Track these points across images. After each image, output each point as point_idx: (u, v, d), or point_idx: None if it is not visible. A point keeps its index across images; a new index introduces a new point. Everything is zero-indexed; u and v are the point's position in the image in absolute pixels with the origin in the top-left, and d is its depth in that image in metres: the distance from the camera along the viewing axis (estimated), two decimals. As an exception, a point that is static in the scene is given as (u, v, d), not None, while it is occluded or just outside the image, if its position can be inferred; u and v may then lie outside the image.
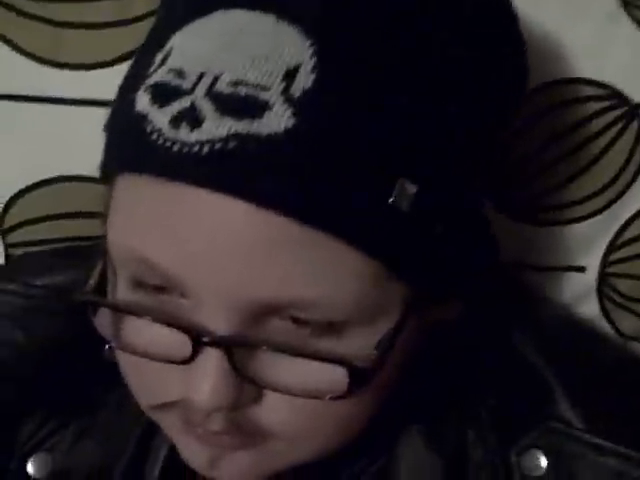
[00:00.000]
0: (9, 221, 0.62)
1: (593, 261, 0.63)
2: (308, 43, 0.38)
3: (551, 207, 0.62)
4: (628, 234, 0.62)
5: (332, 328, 0.40)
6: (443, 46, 0.41)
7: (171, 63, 0.39)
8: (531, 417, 0.50)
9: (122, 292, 0.43)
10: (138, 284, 0.42)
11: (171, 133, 0.38)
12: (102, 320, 0.43)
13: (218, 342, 0.40)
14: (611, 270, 0.63)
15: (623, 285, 0.63)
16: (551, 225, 0.62)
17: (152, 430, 0.53)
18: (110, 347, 0.45)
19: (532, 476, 0.48)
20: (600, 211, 0.62)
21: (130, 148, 0.40)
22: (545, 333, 0.53)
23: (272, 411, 0.42)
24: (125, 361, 0.45)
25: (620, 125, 0.60)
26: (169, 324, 0.40)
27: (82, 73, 0.60)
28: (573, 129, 0.60)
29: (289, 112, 0.37)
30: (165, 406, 0.44)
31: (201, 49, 0.39)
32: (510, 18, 0.47)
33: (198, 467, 0.46)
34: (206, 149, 0.37)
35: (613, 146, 0.60)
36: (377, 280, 0.40)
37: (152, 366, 0.42)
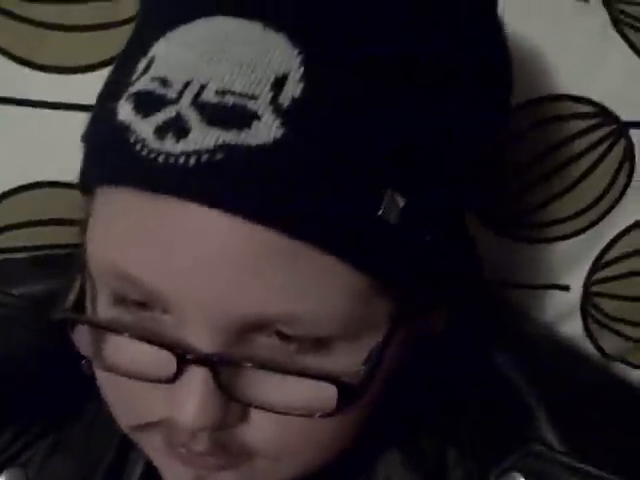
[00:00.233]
0: (-14, 227, 0.61)
1: (577, 280, 0.63)
2: (296, 51, 0.37)
3: (536, 224, 0.61)
4: (613, 253, 0.62)
5: (319, 344, 0.40)
6: (432, 57, 0.40)
7: (154, 71, 0.38)
8: (512, 438, 0.49)
9: (102, 308, 0.42)
10: (119, 300, 0.41)
11: (156, 144, 0.36)
12: (81, 337, 0.42)
13: (203, 360, 0.38)
14: (595, 289, 0.63)
15: (607, 305, 0.63)
16: (536, 243, 0.62)
17: (128, 445, 0.52)
18: (88, 361, 0.44)
19: None
20: (585, 230, 0.61)
21: (112, 159, 0.38)
22: (528, 353, 0.53)
23: (258, 429, 0.41)
24: (104, 380, 0.44)
25: (607, 143, 0.59)
26: (152, 341, 0.39)
27: (64, 76, 0.58)
28: (560, 146, 0.59)
29: (278, 122, 0.36)
30: (147, 426, 0.43)
31: (186, 57, 0.38)
32: (497, 28, 0.46)
33: None
34: (193, 160, 0.36)
35: (600, 164, 0.60)
36: (365, 294, 0.39)
37: (133, 385, 0.41)
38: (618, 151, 0.60)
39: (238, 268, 0.37)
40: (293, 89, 0.36)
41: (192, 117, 0.36)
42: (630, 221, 0.61)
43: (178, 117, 0.36)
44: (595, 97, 0.59)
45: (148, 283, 0.38)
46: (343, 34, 0.38)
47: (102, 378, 0.44)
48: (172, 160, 0.36)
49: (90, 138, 0.41)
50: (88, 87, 0.56)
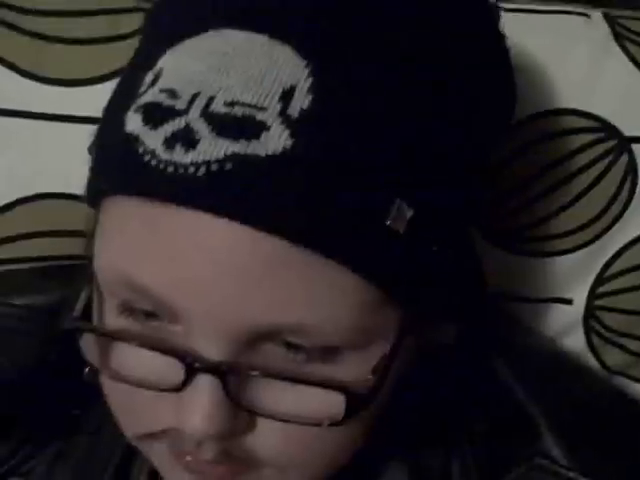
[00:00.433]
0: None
1: (580, 294, 0.63)
2: (304, 63, 0.37)
3: (539, 238, 0.61)
4: (616, 267, 0.62)
5: (327, 353, 0.40)
6: (439, 68, 0.40)
7: (163, 83, 0.38)
8: (516, 452, 0.49)
9: (110, 318, 0.42)
10: (127, 310, 0.41)
11: (165, 154, 0.37)
12: (89, 347, 0.42)
13: (212, 368, 0.38)
14: (598, 303, 0.63)
15: (610, 319, 0.63)
16: (539, 256, 0.61)
17: (131, 457, 0.52)
18: (91, 370, 0.44)
19: None
20: (588, 243, 0.61)
21: (121, 170, 0.39)
22: (531, 367, 0.53)
23: (265, 438, 0.41)
24: (111, 389, 0.44)
25: (610, 158, 0.59)
26: (160, 350, 0.39)
27: (67, 89, 0.59)
28: (563, 160, 0.59)
29: (287, 133, 0.36)
30: (153, 435, 0.43)
31: (194, 69, 0.38)
32: (498, 41, 0.46)
33: None
34: (202, 170, 0.36)
35: (602, 178, 0.60)
36: (374, 305, 0.39)
37: (140, 394, 0.41)
38: (621, 165, 0.60)
39: (247, 277, 0.37)
40: (301, 100, 0.37)
41: (201, 128, 0.36)
42: (633, 235, 0.61)
43: (187, 128, 0.36)
44: (597, 111, 0.59)
45: (157, 292, 0.38)
46: (349, 45, 0.38)
47: (109, 387, 0.44)
48: (181, 170, 0.36)
49: (98, 149, 0.42)
50: (90, 100, 0.57)
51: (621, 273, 0.62)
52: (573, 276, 0.62)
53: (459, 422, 0.50)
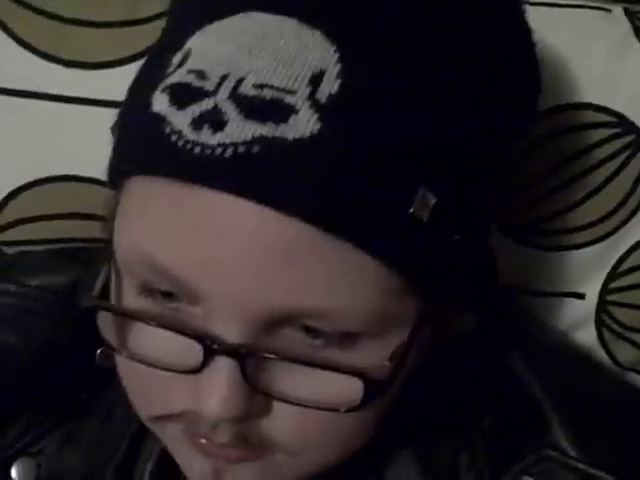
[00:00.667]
0: (3, 219, 0.61)
1: (593, 288, 0.62)
2: (333, 48, 0.37)
3: (554, 232, 0.61)
4: (629, 262, 0.62)
5: (345, 339, 0.40)
6: (467, 59, 0.40)
7: (191, 64, 0.38)
8: (525, 444, 0.49)
9: (129, 299, 0.42)
10: (147, 291, 0.41)
11: (192, 135, 0.36)
12: (107, 326, 0.42)
13: (231, 351, 0.39)
14: (610, 298, 0.62)
15: (622, 314, 0.63)
16: (553, 250, 0.61)
17: (140, 440, 0.52)
18: (102, 352, 0.44)
19: None
20: (602, 238, 0.61)
21: (147, 150, 0.38)
22: (543, 360, 0.53)
23: (280, 422, 0.41)
24: (127, 369, 0.44)
25: (627, 152, 0.59)
26: (180, 331, 0.39)
27: (83, 72, 0.59)
28: (580, 155, 0.59)
29: (315, 117, 0.36)
30: (168, 417, 0.43)
31: (223, 51, 0.38)
32: (525, 34, 0.46)
33: (199, 479, 0.44)
34: (229, 152, 0.36)
35: (619, 173, 0.59)
36: (394, 292, 0.39)
37: (157, 375, 0.41)
38: (638, 161, 0.59)
39: (270, 261, 0.37)
40: (330, 85, 0.37)
41: (229, 110, 0.36)
42: (647, 230, 0.61)
43: (215, 109, 0.36)
44: (615, 106, 0.59)
45: (178, 273, 0.38)
46: (379, 32, 0.39)
47: (124, 368, 0.44)
48: (208, 151, 0.36)
49: (121, 130, 0.42)
50: (109, 83, 0.57)
51: (634, 269, 0.62)
52: (587, 270, 0.62)
53: (470, 413, 0.50)
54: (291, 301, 0.38)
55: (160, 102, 0.38)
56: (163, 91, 0.38)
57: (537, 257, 0.61)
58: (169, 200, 0.38)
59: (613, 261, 0.62)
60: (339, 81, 0.37)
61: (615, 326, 0.63)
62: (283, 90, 0.36)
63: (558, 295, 0.62)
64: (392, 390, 0.41)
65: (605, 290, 0.62)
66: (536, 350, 0.54)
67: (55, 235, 0.61)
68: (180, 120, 0.37)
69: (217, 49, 0.38)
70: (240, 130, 0.36)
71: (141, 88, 0.41)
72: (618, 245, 0.61)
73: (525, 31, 0.46)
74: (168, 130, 0.37)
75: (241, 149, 0.36)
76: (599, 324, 0.63)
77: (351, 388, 0.39)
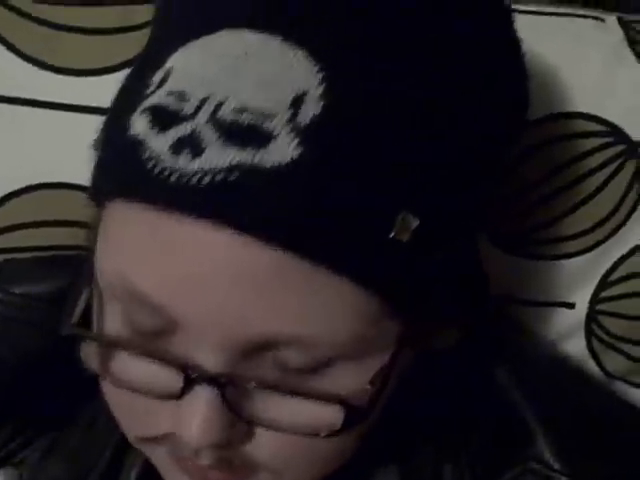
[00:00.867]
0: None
1: (583, 298, 0.62)
2: (317, 68, 0.37)
3: (544, 241, 0.61)
4: (619, 272, 0.62)
5: (326, 364, 0.39)
6: (452, 74, 0.40)
7: (171, 85, 0.38)
8: (509, 457, 0.49)
9: (112, 324, 0.42)
10: (127, 316, 0.41)
11: (170, 161, 0.36)
12: (89, 352, 0.42)
13: (210, 379, 0.38)
14: (600, 308, 0.62)
15: (611, 324, 0.63)
16: (543, 259, 0.61)
17: (124, 450, 0.52)
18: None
19: None
20: (592, 248, 0.61)
21: (126, 174, 0.38)
22: (529, 371, 0.53)
23: (263, 446, 0.41)
24: (111, 393, 0.43)
25: (618, 162, 0.59)
26: (161, 361, 0.39)
27: (76, 79, 0.58)
28: (570, 164, 0.59)
29: (295, 142, 0.36)
30: (153, 439, 0.43)
31: (204, 71, 0.37)
32: (513, 45, 0.46)
33: None
34: (207, 179, 0.35)
35: (609, 183, 0.59)
36: (375, 317, 0.39)
37: (141, 399, 0.41)
38: (628, 170, 0.59)
39: (247, 288, 0.37)
40: (313, 108, 0.36)
41: (208, 135, 0.36)
42: (638, 240, 0.61)
43: (194, 134, 0.36)
44: (607, 116, 0.59)
45: (157, 300, 0.38)
46: (364, 52, 0.38)
47: (109, 391, 0.44)
48: (186, 178, 0.36)
49: (102, 148, 0.41)
50: (101, 90, 0.57)
51: (624, 278, 0.62)
52: (577, 280, 0.62)
53: (454, 426, 0.50)
54: (268, 327, 0.37)
55: (139, 124, 0.38)
56: (142, 113, 0.38)
57: (527, 266, 0.61)
58: (147, 226, 0.37)
59: (603, 270, 0.62)
60: (322, 103, 0.36)
61: (605, 336, 0.63)
62: (263, 114, 0.36)
63: (548, 305, 0.62)
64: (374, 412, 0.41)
65: (595, 299, 0.62)
66: (524, 362, 0.53)
67: (44, 242, 0.60)
68: (159, 144, 0.36)
69: (199, 69, 0.38)
70: (218, 156, 0.35)
71: (122, 105, 0.40)
72: (608, 254, 0.61)
73: (514, 42, 0.45)
74: (146, 155, 0.37)
75: (219, 177, 0.35)
76: (589, 334, 0.63)
77: (331, 412, 0.39)
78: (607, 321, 0.63)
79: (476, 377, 0.51)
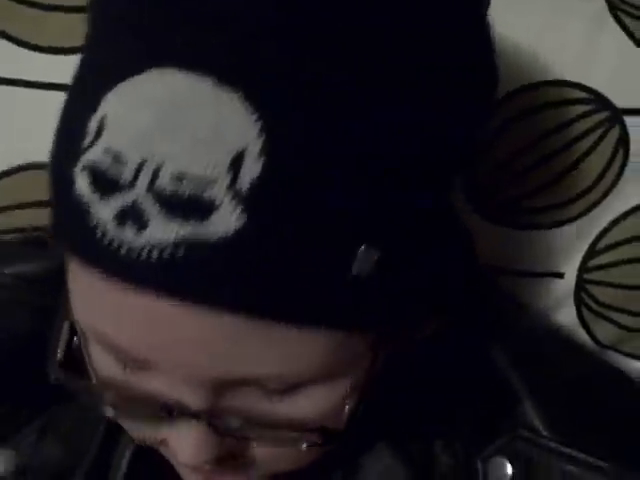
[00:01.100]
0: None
1: (571, 267, 0.62)
2: (254, 117, 0.34)
3: (530, 211, 0.61)
4: (607, 241, 0.62)
5: (302, 387, 0.40)
6: (407, 103, 0.37)
7: (107, 140, 0.36)
8: (498, 425, 0.50)
9: (96, 354, 0.43)
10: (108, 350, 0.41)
11: (117, 232, 0.35)
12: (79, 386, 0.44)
13: (193, 416, 0.40)
14: (589, 277, 0.62)
15: (601, 292, 0.63)
16: (530, 229, 0.61)
17: (117, 428, 0.52)
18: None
19: None
20: (579, 216, 0.61)
21: (74, 237, 0.38)
22: (519, 342, 0.53)
23: (256, 450, 0.43)
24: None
25: (602, 129, 0.59)
26: (145, 402, 0.41)
27: (62, 57, 0.58)
28: (555, 132, 0.59)
29: (238, 210, 0.34)
30: (153, 442, 0.45)
31: (138, 125, 0.35)
32: (480, 23, 0.43)
33: None
34: (155, 254, 0.35)
35: (594, 150, 0.59)
36: (344, 343, 0.39)
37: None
38: (612, 137, 0.59)
39: (208, 348, 0.37)
40: (252, 168, 0.34)
41: (149, 206, 0.35)
42: (625, 207, 0.61)
43: (136, 205, 0.35)
44: (590, 83, 0.59)
45: (129, 351, 0.39)
46: (305, 85, 0.35)
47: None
48: (134, 254, 0.35)
49: (54, 196, 0.40)
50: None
51: (612, 246, 0.62)
52: (564, 249, 0.62)
53: (443, 400, 0.50)
54: (237, 373, 0.38)
55: (82, 184, 0.36)
56: (83, 170, 0.36)
57: (514, 237, 0.61)
58: (103, 287, 0.37)
59: (590, 239, 0.62)
60: (261, 162, 0.34)
61: (594, 305, 0.63)
62: (203, 180, 0.34)
63: (537, 275, 0.62)
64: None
65: (583, 268, 0.62)
66: (512, 332, 0.53)
67: (32, 223, 0.60)
68: (103, 212, 0.36)
69: (132, 122, 0.35)
70: (162, 231, 0.34)
71: (65, 146, 0.39)
72: (595, 223, 0.61)
73: (480, 21, 0.43)
74: (94, 223, 0.36)
75: (166, 252, 0.34)
76: (578, 303, 0.63)
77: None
78: (596, 290, 0.63)
79: (468, 351, 0.51)
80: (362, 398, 0.41)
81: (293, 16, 0.36)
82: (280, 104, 0.35)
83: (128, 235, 0.35)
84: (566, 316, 0.63)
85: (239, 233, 0.34)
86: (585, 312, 0.63)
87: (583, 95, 0.59)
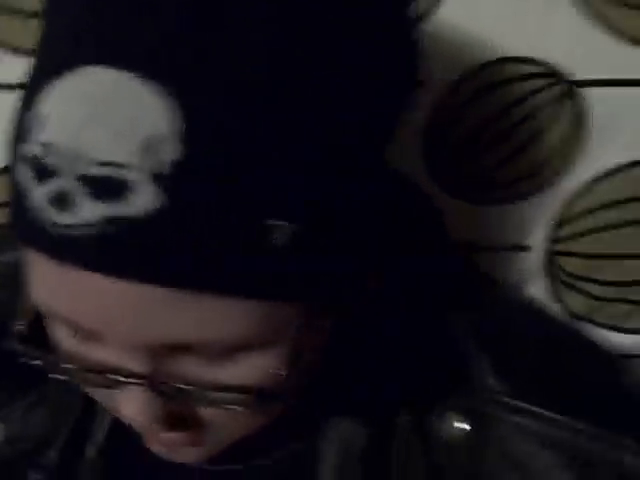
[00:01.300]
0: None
1: (537, 240, 0.63)
2: (173, 107, 0.37)
3: (493, 186, 0.62)
4: (572, 212, 0.62)
5: (236, 351, 0.42)
6: (326, 86, 0.40)
7: (42, 134, 0.40)
8: (455, 385, 0.50)
9: (53, 327, 0.45)
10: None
11: (51, 214, 0.39)
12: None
13: (135, 381, 0.42)
14: (557, 248, 0.63)
15: (570, 263, 0.63)
16: (493, 204, 0.62)
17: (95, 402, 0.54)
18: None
19: (455, 439, 0.49)
20: (541, 189, 0.62)
21: (18, 222, 0.41)
22: (485, 312, 0.53)
23: (203, 413, 0.45)
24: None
25: (558, 103, 0.60)
26: (92, 371, 0.43)
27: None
28: (511, 107, 0.60)
29: (159, 191, 0.37)
30: (117, 412, 0.46)
31: (69, 120, 0.39)
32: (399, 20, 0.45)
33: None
34: (84, 232, 0.38)
35: (552, 123, 0.60)
36: (271, 312, 0.41)
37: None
38: (568, 110, 0.60)
39: (143, 317, 0.40)
40: (172, 152, 0.37)
41: (78, 190, 0.38)
42: (586, 178, 0.62)
43: (66, 190, 0.38)
44: (543, 57, 0.59)
45: (75, 323, 0.42)
46: (222, 71, 0.38)
47: None
48: (67, 232, 0.39)
49: (10, 182, 0.43)
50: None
51: (577, 217, 0.62)
52: (529, 223, 0.63)
53: (401, 364, 0.51)
54: (170, 337, 0.41)
55: (22, 172, 0.40)
56: (23, 160, 0.40)
57: (479, 212, 0.62)
58: (44, 264, 0.41)
59: (554, 211, 0.62)
60: (180, 145, 0.37)
61: (564, 276, 0.64)
62: (122, 166, 0.38)
63: (504, 249, 0.63)
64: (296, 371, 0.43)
65: (550, 241, 0.63)
66: (481, 303, 0.54)
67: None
68: (38, 197, 0.39)
69: (64, 117, 0.39)
70: (89, 211, 0.38)
71: (14, 138, 0.42)
72: (558, 195, 0.62)
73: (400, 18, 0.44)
74: (32, 205, 0.39)
75: (93, 230, 0.38)
76: (548, 275, 0.64)
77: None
78: (566, 261, 0.63)
79: (427, 322, 0.52)
80: (297, 363, 0.43)
81: (208, 12, 0.38)
82: (198, 94, 0.38)
83: (60, 217, 0.39)
84: (537, 289, 0.64)
85: (160, 211, 0.38)
86: (556, 284, 0.64)
87: (537, 69, 0.60)
